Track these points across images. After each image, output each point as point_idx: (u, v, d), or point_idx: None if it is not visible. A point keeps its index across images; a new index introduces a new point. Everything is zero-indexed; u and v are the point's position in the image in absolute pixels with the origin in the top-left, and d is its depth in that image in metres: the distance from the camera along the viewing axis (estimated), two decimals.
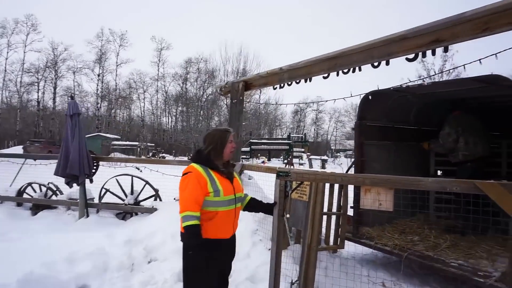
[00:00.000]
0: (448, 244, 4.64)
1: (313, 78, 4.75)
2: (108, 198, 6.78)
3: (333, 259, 5.12)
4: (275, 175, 3.16)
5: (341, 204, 5.22)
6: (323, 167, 28.58)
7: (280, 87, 5.33)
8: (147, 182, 6.61)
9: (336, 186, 5.22)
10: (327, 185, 5.14)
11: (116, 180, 6.59)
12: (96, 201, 6.72)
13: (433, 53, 3.40)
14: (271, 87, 5.52)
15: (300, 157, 33.81)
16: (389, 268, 5.09)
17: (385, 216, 5.22)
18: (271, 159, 39.86)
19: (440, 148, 5.56)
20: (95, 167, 6.59)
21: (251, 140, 37.33)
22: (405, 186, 2.85)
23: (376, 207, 2.91)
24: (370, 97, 4.69)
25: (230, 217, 2.77)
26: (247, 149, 36.60)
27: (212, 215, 2.65)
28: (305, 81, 4.85)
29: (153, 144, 43.98)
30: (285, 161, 32.59)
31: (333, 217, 5.26)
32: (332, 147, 56.31)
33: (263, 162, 33.13)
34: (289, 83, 5.10)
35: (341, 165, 29.83)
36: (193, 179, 2.58)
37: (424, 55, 3.48)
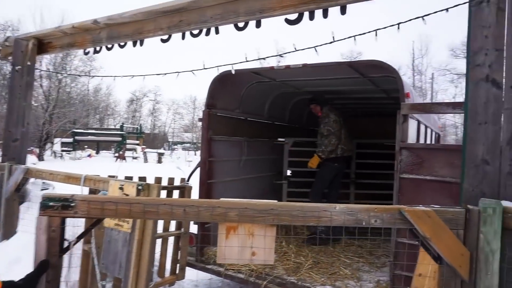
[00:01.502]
0: (310, 263, 3.87)
1: (146, 40, 3.18)
2: None
3: None
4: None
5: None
6: (159, 161, 26.67)
7: (96, 52, 3.53)
8: None
9: (176, 192, 3.94)
10: (163, 192, 3.80)
11: None
12: None
13: (325, 14, 2.35)
14: (82, 50, 3.66)
15: (134, 150, 30.84)
16: None
17: None
18: (100, 151, 35.31)
19: (332, 138, 4.63)
20: None
21: (75, 130, 31.97)
22: (299, 221, 1.70)
23: (248, 259, 1.63)
24: (232, 72, 3.45)
25: None
26: (70, 140, 31.19)
27: None
28: (134, 44, 3.24)
29: None
30: (116, 154, 29.12)
31: (171, 238, 3.94)
32: (169, 140, 54.65)
33: (89, 155, 28.79)
34: (109, 46, 3.39)
35: (179, 158, 28.65)
36: None
37: (312, 17, 2.41)
